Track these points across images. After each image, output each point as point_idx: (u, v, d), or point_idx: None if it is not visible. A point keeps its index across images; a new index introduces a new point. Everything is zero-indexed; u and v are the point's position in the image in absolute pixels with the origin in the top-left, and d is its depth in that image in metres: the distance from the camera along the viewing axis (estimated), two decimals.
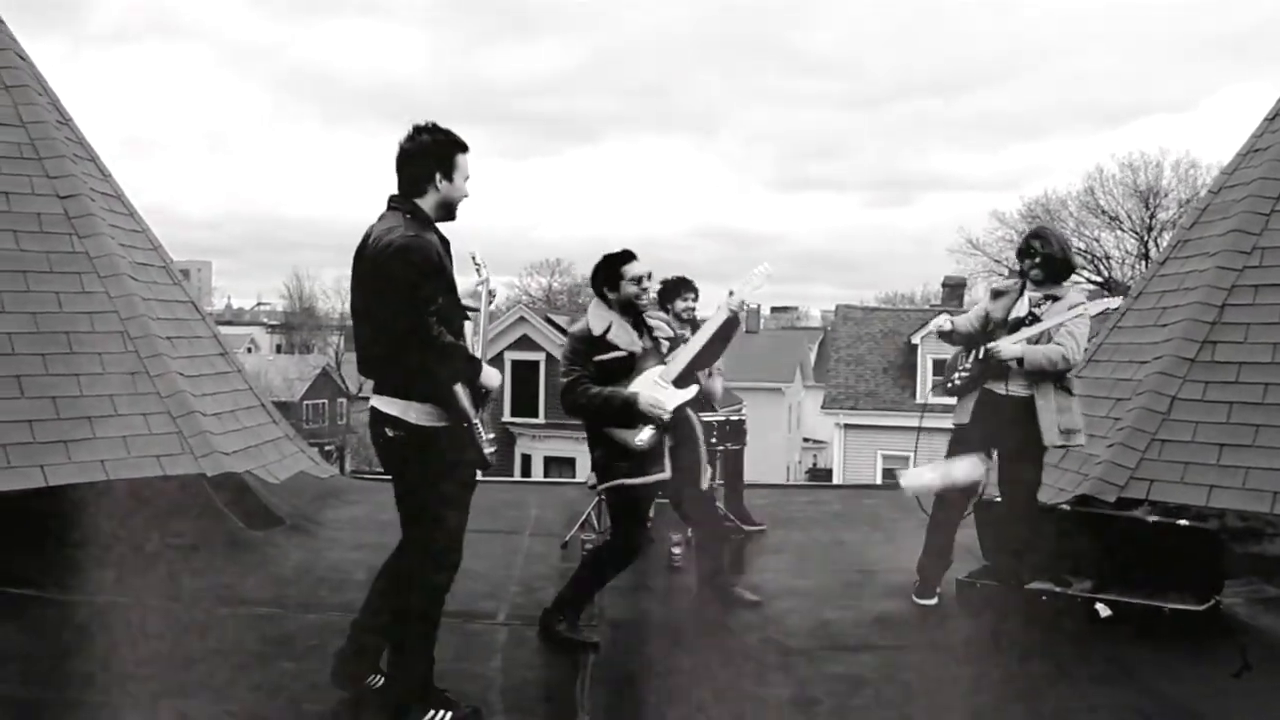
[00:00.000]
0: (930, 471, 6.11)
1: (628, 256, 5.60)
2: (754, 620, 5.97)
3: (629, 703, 4.90)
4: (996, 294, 6.21)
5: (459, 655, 5.20)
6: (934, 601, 6.21)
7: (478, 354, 4.39)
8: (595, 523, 7.63)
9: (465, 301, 4.47)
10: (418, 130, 4.33)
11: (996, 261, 44.13)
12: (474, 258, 4.57)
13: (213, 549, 6.85)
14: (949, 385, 6.20)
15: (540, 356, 31.00)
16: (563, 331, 30.78)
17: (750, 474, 8.72)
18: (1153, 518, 6.28)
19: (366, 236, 4.24)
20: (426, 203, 4.31)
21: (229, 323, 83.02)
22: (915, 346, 33.86)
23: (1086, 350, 8.08)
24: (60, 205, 7.18)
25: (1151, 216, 47.28)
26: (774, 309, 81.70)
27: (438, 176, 4.30)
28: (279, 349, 74.24)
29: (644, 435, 5.40)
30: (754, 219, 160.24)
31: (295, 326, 74.98)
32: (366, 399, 4.55)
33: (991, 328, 6.02)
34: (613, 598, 6.06)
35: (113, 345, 6.90)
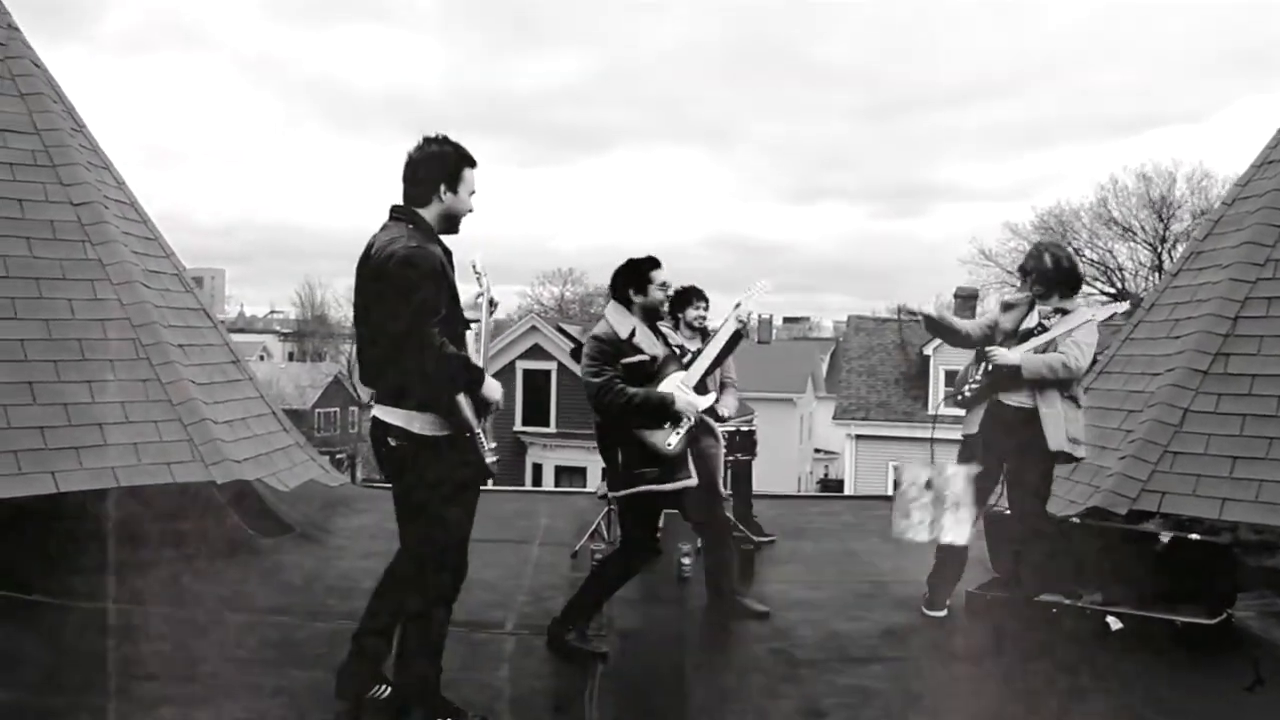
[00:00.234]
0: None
1: (655, 262, 5.64)
2: (763, 631, 5.96)
3: (637, 713, 4.90)
4: (1006, 306, 6.21)
5: (467, 664, 5.20)
6: (944, 613, 6.19)
7: (479, 364, 4.39)
8: (605, 532, 7.63)
9: (466, 314, 4.47)
10: (427, 141, 4.35)
11: (1009, 272, 44.00)
12: (474, 266, 4.57)
13: (222, 556, 6.86)
14: (959, 397, 6.19)
15: (552, 366, 31.02)
16: (574, 340, 30.83)
17: (762, 484, 8.72)
18: (1165, 531, 6.25)
19: (369, 246, 4.25)
20: (430, 214, 4.32)
21: (242, 330, 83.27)
22: (928, 357, 33.80)
23: (1097, 361, 8.07)
24: (74, 212, 7.19)
25: (1165, 228, 47.19)
26: (786, 319, 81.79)
27: (443, 188, 4.32)
28: (291, 357, 74.40)
29: (674, 440, 5.44)
30: (766, 229, 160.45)
31: (308, 334, 75.15)
32: None
33: (1001, 339, 6.01)
34: (621, 608, 6.06)
35: (124, 353, 6.90)
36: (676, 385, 5.53)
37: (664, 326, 5.92)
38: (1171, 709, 4.88)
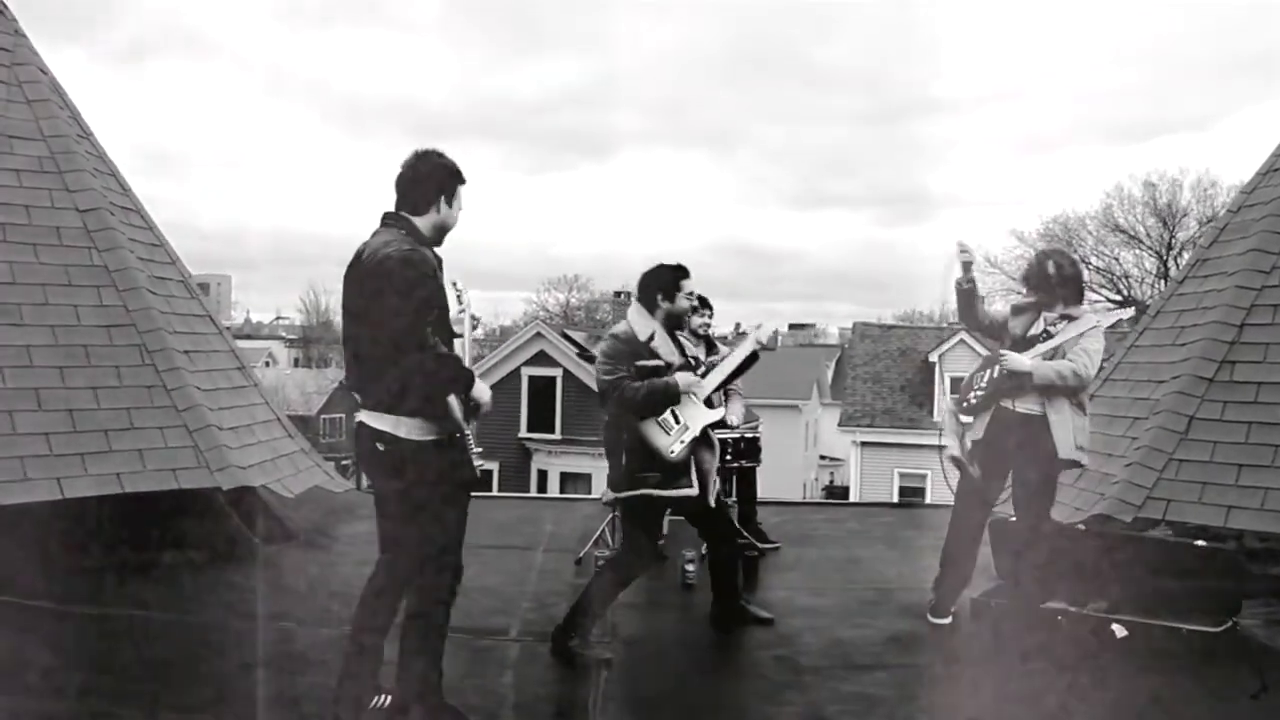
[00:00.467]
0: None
1: (685, 272, 5.74)
2: (767, 638, 5.96)
3: None
4: (1017, 310, 6.21)
5: (471, 670, 5.20)
6: (949, 620, 6.18)
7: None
8: (609, 539, 7.63)
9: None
10: (426, 154, 4.47)
11: (1014, 280, 43.97)
12: (454, 285, 4.61)
13: (227, 563, 6.87)
14: (965, 403, 6.19)
15: (557, 372, 31.02)
16: (579, 347, 30.87)
17: (766, 491, 8.71)
18: (1170, 538, 6.25)
19: (360, 251, 4.32)
20: (424, 223, 4.40)
21: (248, 336, 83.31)
22: (933, 364, 33.79)
23: (1103, 369, 8.06)
24: (80, 219, 7.21)
25: (1171, 235, 47.16)
26: (791, 326, 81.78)
27: (441, 200, 4.42)
28: (297, 363, 74.43)
29: (677, 448, 5.49)
30: (771, 235, 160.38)
31: (313, 340, 75.23)
32: None
33: (1009, 343, 6.01)
34: (625, 614, 6.06)
35: (130, 358, 6.92)
36: (682, 387, 5.57)
37: (682, 336, 5.94)
38: (1177, 716, 4.87)
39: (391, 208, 4.44)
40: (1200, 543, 5.98)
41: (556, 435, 30.96)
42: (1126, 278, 49.30)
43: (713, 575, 6.22)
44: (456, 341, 4.52)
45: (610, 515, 7.71)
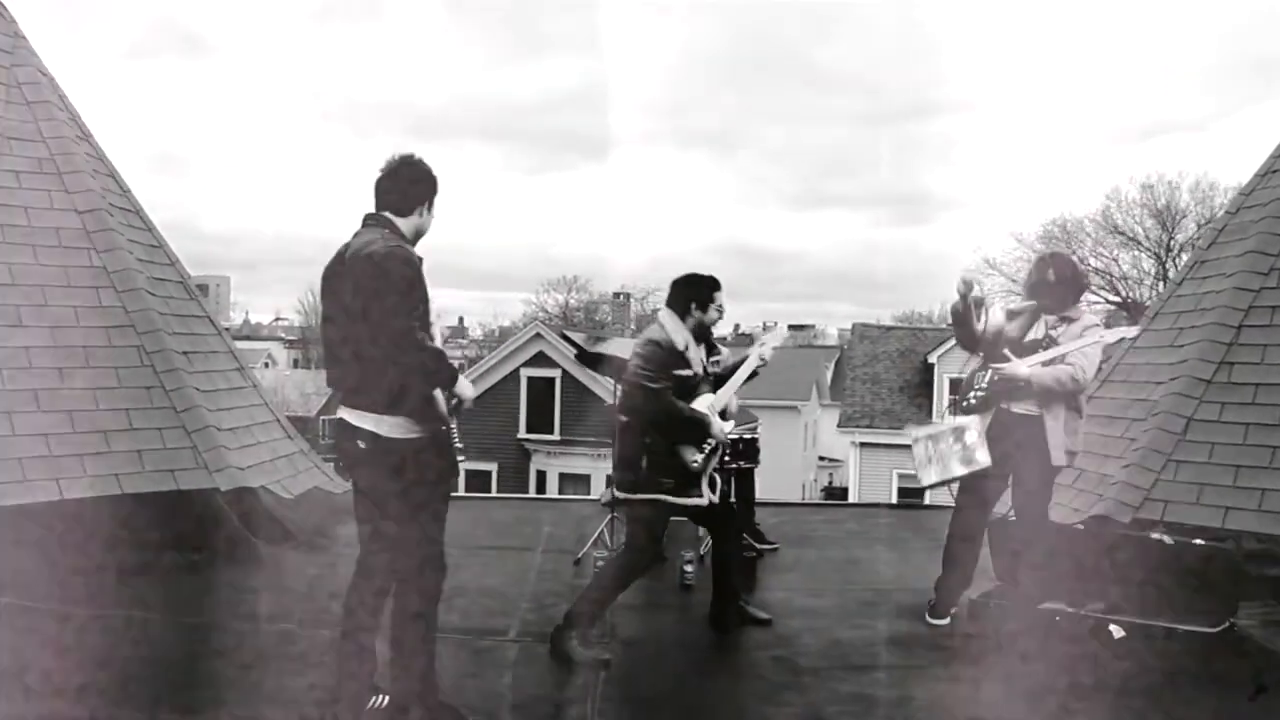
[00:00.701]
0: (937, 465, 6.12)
1: (719, 284, 5.81)
2: (766, 638, 5.96)
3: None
4: (1011, 315, 6.22)
5: (470, 671, 5.20)
6: (947, 621, 6.19)
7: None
8: (608, 540, 7.63)
9: None
10: (413, 160, 4.53)
11: (1014, 281, 44.00)
12: None
13: (226, 564, 6.87)
14: (964, 404, 6.20)
15: (556, 373, 30.99)
16: (578, 347, 30.84)
17: (766, 492, 8.73)
18: (1168, 539, 6.25)
19: (343, 250, 4.36)
20: (406, 225, 4.46)
21: (247, 338, 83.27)
22: (932, 365, 33.80)
23: (1101, 371, 8.07)
24: (79, 220, 7.23)
25: (1170, 236, 47.17)
26: (790, 327, 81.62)
27: (424, 206, 4.51)
28: (296, 364, 74.46)
29: (699, 458, 5.60)
30: (771, 236, 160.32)
31: (312, 342, 75.11)
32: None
33: (1005, 348, 6.02)
34: (624, 615, 6.06)
35: (129, 360, 6.93)
36: (708, 406, 5.68)
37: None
38: (1174, 717, 4.87)
39: (372, 209, 4.49)
40: (1198, 543, 5.99)
41: (555, 436, 30.94)
42: (1125, 279, 49.32)
43: (714, 574, 6.24)
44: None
45: (609, 516, 7.71)
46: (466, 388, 4.45)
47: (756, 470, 8.28)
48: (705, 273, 5.84)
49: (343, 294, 4.30)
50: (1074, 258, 6.55)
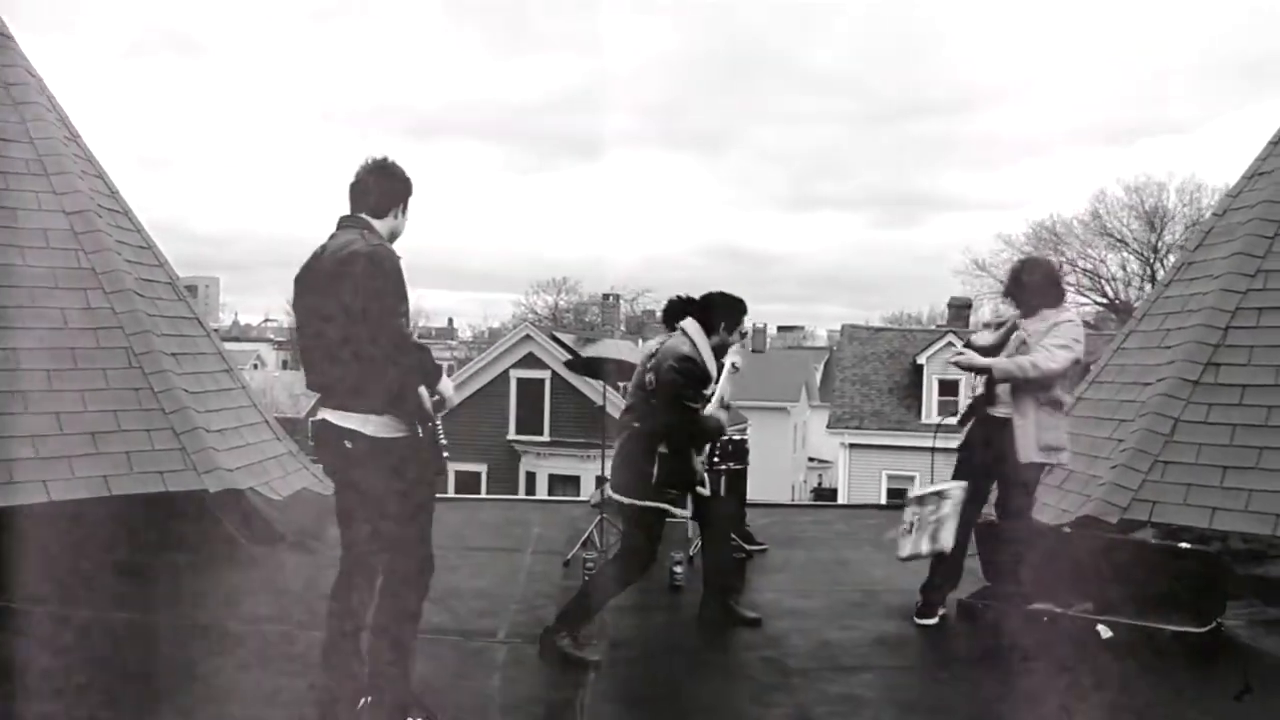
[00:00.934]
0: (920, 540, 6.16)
1: (746, 306, 5.97)
2: (755, 639, 5.97)
3: None
4: (987, 325, 6.30)
5: (459, 672, 5.20)
6: (935, 622, 6.20)
7: None
8: (598, 541, 7.63)
9: None
10: (388, 164, 4.55)
11: (1002, 283, 44.15)
12: None
13: (215, 565, 6.86)
14: (957, 419, 6.29)
15: (546, 375, 30.98)
16: (568, 349, 30.84)
17: (755, 493, 8.73)
18: (1155, 539, 6.28)
19: (320, 251, 4.36)
20: (382, 227, 4.47)
21: (236, 339, 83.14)
22: (921, 367, 33.88)
23: (1089, 371, 8.10)
24: (67, 221, 7.21)
25: (1157, 238, 47.36)
26: (780, 328, 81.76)
27: (399, 208, 4.55)
28: (285, 365, 74.27)
29: (699, 466, 5.85)
30: (761, 238, 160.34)
31: None
32: None
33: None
34: (614, 616, 6.06)
35: (117, 361, 6.91)
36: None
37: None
38: (1161, 716, 4.90)
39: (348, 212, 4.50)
40: (1185, 544, 6.01)
41: (545, 437, 30.94)
42: (1113, 280, 49.52)
43: (705, 567, 6.27)
44: None
45: (599, 517, 7.71)
46: (449, 387, 4.45)
47: (746, 471, 8.30)
48: (737, 295, 5.96)
49: (322, 294, 4.28)
50: (1050, 261, 6.58)
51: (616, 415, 6.11)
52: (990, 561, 6.45)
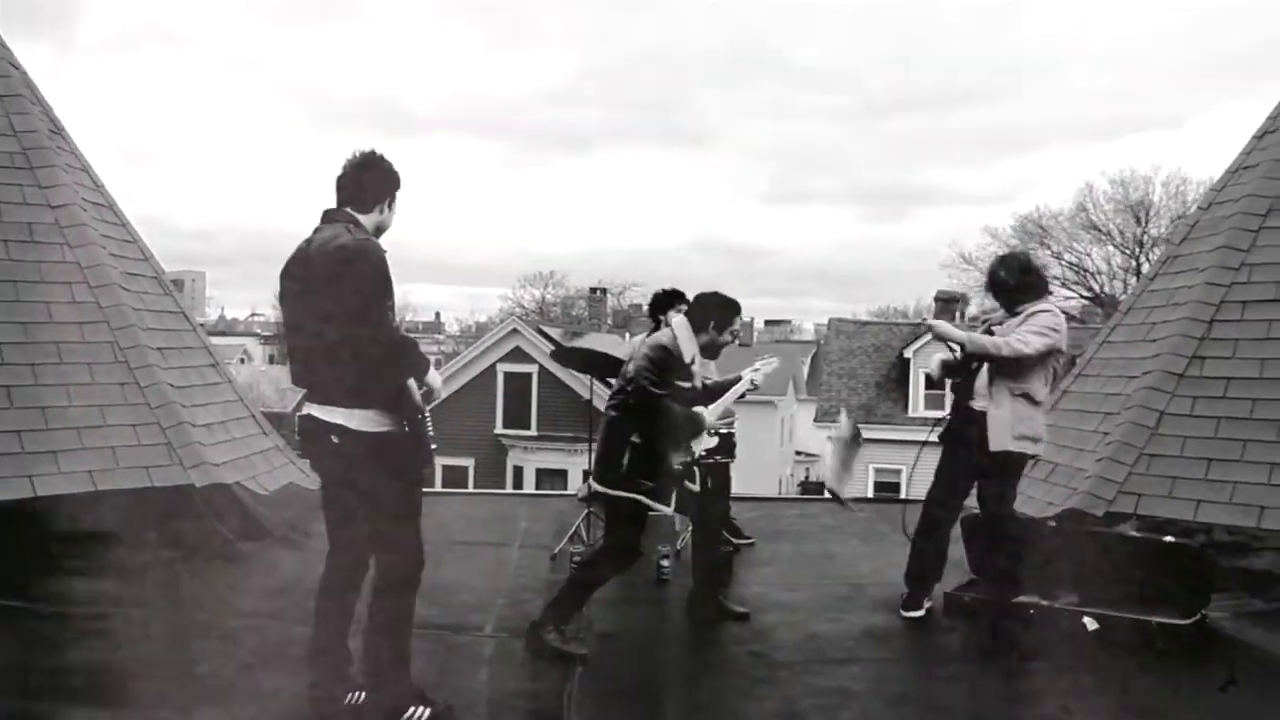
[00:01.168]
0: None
1: (740, 308, 5.88)
2: (742, 633, 5.98)
3: (616, 715, 4.91)
4: (975, 321, 6.32)
5: (446, 667, 5.20)
6: (921, 614, 6.23)
7: None
8: (585, 535, 7.63)
9: None
10: (375, 157, 4.53)
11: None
12: None
13: (201, 561, 6.85)
14: (938, 367, 6.34)
15: (533, 369, 30.99)
16: (555, 343, 30.85)
17: (742, 487, 8.74)
18: (1140, 532, 6.30)
19: (306, 244, 4.35)
20: (368, 221, 4.45)
21: (222, 333, 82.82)
22: (908, 360, 33.93)
23: (1075, 364, 8.13)
24: (51, 215, 7.18)
25: (1143, 232, 47.51)
26: (767, 322, 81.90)
27: (386, 203, 4.52)
28: (272, 359, 74.05)
29: (679, 461, 5.68)
30: (749, 232, 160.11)
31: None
32: None
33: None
34: (601, 609, 6.06)
35: (103, 355, 6.89)
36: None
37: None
38: (1146, 708, 4.92)
39: (333, 205, 4.49)
40: (1169, 537, 6.04)
41: (532, 431, 30.95)
42: (1098, 274, 49.68)
43: (695, 565, 6.29)
44: None
45: (585, 511, 7.71)
46: (436, 379, 4.47)
47: (732, 465, 8.30)
48: (731, 296, 5.88)
49: (308, 288, 4.28)
50: (1029, 256, 6.59)
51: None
52: (976, 554, 6.47)
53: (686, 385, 5.65)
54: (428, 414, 4.36)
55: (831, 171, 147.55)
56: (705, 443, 5.91)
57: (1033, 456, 5.95)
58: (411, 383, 4.28)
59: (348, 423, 4.22)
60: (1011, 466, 5.85)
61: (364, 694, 4.48)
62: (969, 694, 5.15)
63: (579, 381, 26.60)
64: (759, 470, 35.20)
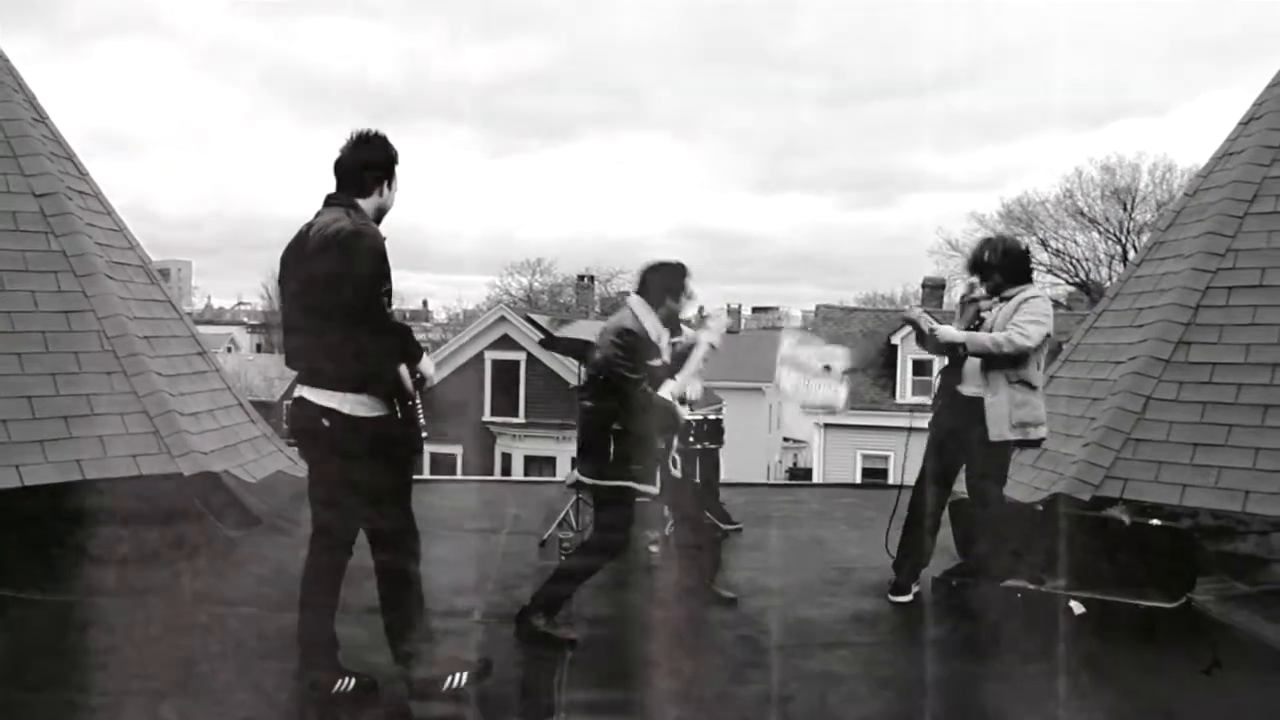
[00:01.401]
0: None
1: (688, 269, 5.77)
2: (731, 618, 6.00)
3: (606, 700, 4.92)
4: (968, 301, 6.33)
5: None
6: (909, 599, 6.25)
7: None
8: (573, 521, 7.65)
9: None
10: (369, 138, 4.51)
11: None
12: None
13: (189, 549, 6.83)
14: (934, 401, 6.34)
15: (521, 356, 30.96)
16: (543, 331, 30.82)
17: (730, 473, 8.78)
18: (1127, 516, 6.33)
19: (306, 229, 4.35)
20: (368, 205, 4.46)
21: (209, 322, 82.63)
22: (895, 346, 33.99)
23: (1062, 349, 8.15)
24: (36, 203, 7.14)
25: (1129, 218, 47.62)
26: (754, 309, 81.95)
27: (385, 185, 4.50)
28: (259, 348, 73.99)
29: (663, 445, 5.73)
30: (734, 219, 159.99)
31: (275, 326, 74.60)
32: None
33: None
34: (589, 595, 6.07)
35: (89, 344, 6.86)
36: (670, 394, 5.69)
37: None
38: (1132, 690, 4.95)
39: (333, 190, 4.48)
40: (1156, 521, 6.07)
41: (520, 419, 30.93)
42: (1085, 260, 49.79)
43: (678, 553, 6.30)
44: None
45: (574, 497, 7.72)
46: (430, 366, 4.47)
47: (721, 451, 8.33)
48: (674, 259, 5.82)
49: (306, 273, 4.28)
50: (1013, 239, 6.61)
51: None
52: (963, 539, 6.49)
53: (658, 363, 5.63)
54: (419, 401, 4.37)
55: (816, 157, 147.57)
56: (685, 414, 5.89)
57: (1039, 441, 6.01)
58: (403, 369, 4.29)
59: (340, 406, 4.23)
60: (1006, 454, 5.90)
61: (352, 680, 4.50)
62: (956, 678, 5.17)
63: (567, 369, 26.61)
64: (747, 456, 35.28)
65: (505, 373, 31.38)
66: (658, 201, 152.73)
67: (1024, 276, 6.11)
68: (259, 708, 4.52)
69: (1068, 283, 49.55)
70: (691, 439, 7.74)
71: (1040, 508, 6.69)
